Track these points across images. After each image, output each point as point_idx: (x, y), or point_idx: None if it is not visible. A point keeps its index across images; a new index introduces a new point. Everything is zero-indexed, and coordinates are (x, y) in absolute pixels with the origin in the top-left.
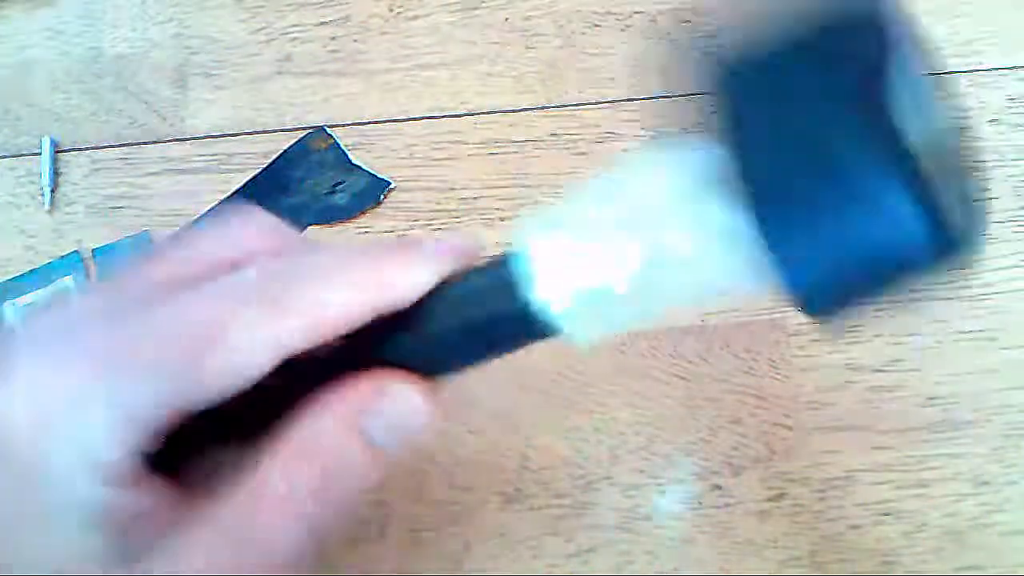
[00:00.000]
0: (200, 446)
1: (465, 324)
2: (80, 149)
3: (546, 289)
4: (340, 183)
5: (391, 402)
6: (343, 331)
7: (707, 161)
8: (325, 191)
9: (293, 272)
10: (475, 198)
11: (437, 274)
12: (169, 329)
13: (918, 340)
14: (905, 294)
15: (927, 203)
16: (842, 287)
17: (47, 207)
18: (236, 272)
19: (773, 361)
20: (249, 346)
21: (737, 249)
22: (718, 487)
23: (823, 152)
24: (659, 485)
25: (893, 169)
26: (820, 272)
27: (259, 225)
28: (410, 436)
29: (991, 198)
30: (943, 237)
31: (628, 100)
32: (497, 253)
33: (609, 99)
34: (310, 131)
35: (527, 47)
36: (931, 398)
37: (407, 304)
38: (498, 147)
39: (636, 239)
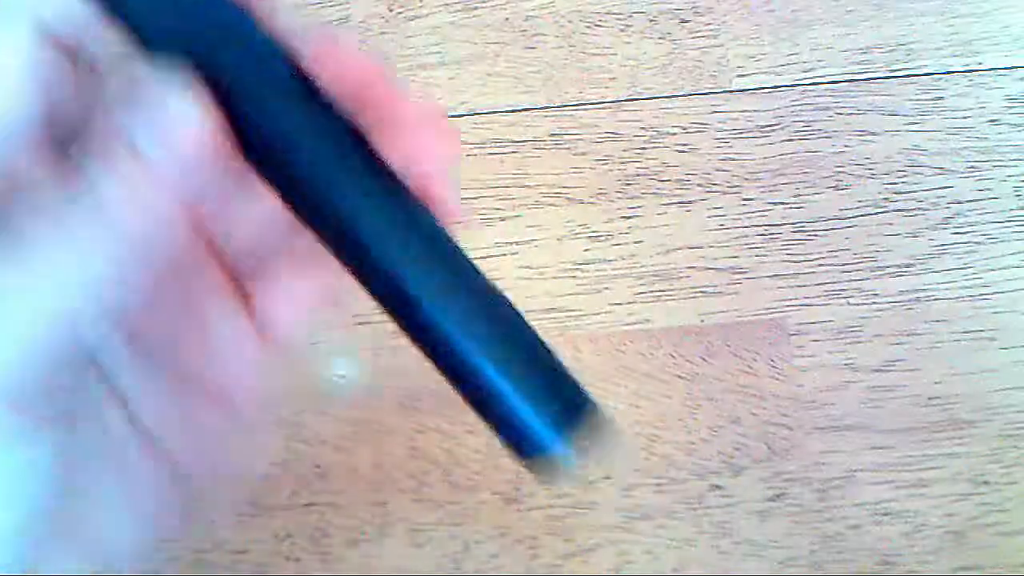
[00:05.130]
0: None
1: None
2: None
3: None
4: None
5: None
6: None
7: None
8: None
9: None
10: (475, 198)
11: None
12: None
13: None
14: None
15: None
16: None
17: None
18: None
19: (773, 361)
20: None
21: None
22: (718, 487)
23: None
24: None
25: None
26: None
27: None
28: (174, 141)
29: (991, 198)
30: None
31: (628, 100)
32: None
33: (609, 99)
34: None
35: (527, 47)
36: (931, 398)
37: None
38: (498, 147)
39: None
